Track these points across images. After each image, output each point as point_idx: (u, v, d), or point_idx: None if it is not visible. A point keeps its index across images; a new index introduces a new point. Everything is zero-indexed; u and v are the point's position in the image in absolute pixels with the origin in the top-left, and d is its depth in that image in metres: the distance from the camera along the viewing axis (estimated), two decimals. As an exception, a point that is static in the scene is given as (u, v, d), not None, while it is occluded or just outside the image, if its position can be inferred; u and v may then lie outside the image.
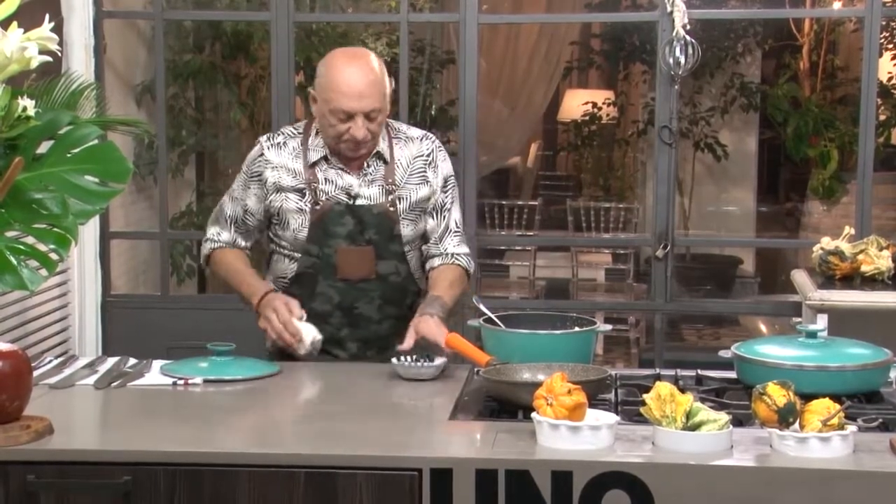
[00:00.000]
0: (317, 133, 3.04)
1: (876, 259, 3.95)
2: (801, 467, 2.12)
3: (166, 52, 5.04)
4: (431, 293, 3.00)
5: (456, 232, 3.13)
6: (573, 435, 2.19)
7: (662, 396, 2.24)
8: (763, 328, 5.96)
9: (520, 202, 8.10)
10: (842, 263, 3.99)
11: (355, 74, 2.92)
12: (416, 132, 3.13)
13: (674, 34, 4.21)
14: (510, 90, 8.91)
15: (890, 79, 7.68)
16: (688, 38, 4.19)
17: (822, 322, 3.63)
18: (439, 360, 2.79)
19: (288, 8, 4.56)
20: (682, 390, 2.39)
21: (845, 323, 3.60)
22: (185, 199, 6.00)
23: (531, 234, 7.74)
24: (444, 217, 3.11)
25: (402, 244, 3.04)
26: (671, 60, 4.22)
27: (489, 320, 2.84)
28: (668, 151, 4.45)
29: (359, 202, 3.01)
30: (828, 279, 4.01)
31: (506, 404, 2.49)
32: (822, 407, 2.21)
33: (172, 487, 2.20)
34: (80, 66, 4.38)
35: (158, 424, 2.44)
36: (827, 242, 4.08)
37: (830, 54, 8.18)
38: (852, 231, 4.21)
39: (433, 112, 6.90)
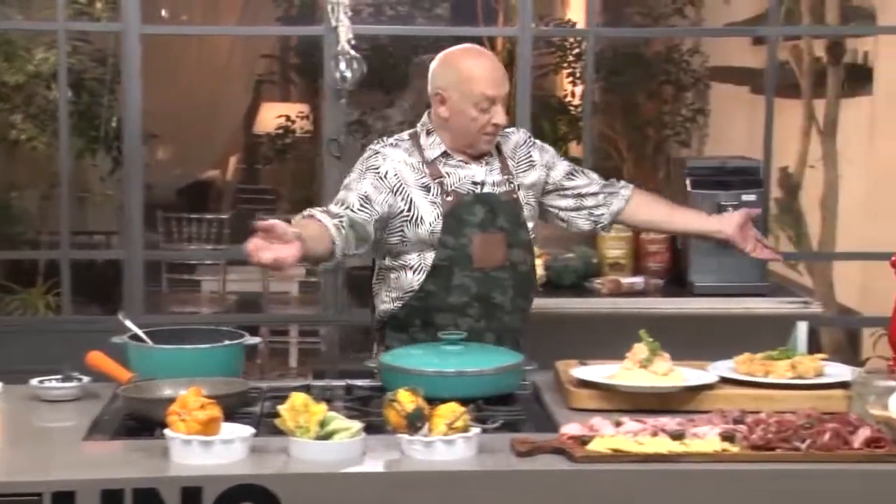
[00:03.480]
0: (428, 133, 3.01)
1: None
2: (427, 470, 2.20)
3: None
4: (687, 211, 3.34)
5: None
6: (205, 450, 2.18)
7: (296, 407, 2.27)
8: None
9: (209, 216, 7.99)
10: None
11: (489, 62, 2.99)
12: (508, 129, 3.16)
13: (339, 48, 4.26)
14: (204, 103, 8.78)
15: (565, 96, 8.10)
16: (352, 52, 4.25)
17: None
18: (81, 380, 2.70)
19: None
20: (329, 400, 2.43)
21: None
22: None
23: (221, 247, 7.65)
24: (581, 172, 3.21)
25: (528, 232, 3.06)
26: (337, 75, 4.27)
27: (135, 336, 2.79)
28: (338, 165, 4.48)
29: (486, 189, 3.00)
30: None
31: (145, 422, 2.44)
32: (449, 411, 2.29)
33: None
34: None
35: None
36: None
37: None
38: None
39: (114, 124, 6.65)
